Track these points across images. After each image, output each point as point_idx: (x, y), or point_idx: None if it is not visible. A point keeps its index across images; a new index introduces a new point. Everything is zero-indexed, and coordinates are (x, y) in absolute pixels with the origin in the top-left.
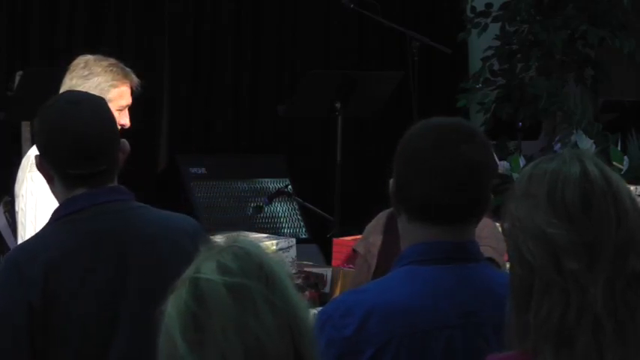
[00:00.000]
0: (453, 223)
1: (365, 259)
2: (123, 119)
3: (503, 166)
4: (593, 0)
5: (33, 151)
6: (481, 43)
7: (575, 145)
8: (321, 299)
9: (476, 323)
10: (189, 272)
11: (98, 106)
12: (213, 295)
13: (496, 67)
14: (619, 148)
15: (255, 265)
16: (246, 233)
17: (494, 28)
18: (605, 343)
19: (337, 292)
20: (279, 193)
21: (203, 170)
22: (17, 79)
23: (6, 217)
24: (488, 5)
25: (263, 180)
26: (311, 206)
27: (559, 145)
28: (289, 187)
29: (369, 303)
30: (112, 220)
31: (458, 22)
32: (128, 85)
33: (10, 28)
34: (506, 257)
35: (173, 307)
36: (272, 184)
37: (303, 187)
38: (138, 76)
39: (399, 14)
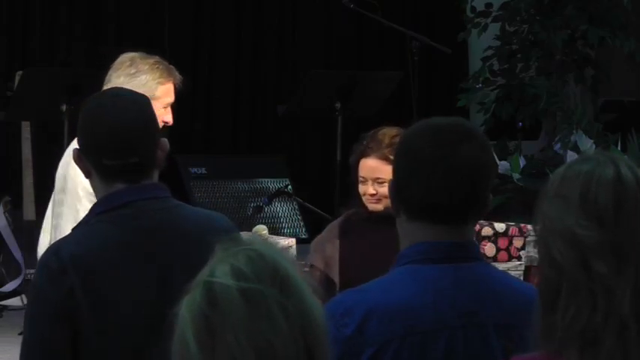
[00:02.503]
0: (452, 222)
1: (325, 275)
2: (167, 116)
3: (503, 166)
4: (593, 0)
5: (74, 144)
6: (481, 43)
7: (575, 145)
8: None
9: (476, 323)
10: (203, 275)
11: (136, 100)
12: (226, 300)
13: (496, 67)
14: (619, 148)
15: (269, 268)
16: (246, 233)
17: (494, 28)
18: (630, 347)
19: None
20: (279, 193)
21: (203, 170)
22: (17, 79)
23: (6, 217)
24: (488, 5)
25: (263, 180)
26: (311, 206)
27: (559, 145)
28: (289, 187)
29: (370, 302)
30: (154, 217)
31: (458, 22)
32: (172, 82)
33: (10, 28)
34: None
35: (187, 309)
36: (272, 184)
37: (303, 187)
38: None
39: (399, 14)
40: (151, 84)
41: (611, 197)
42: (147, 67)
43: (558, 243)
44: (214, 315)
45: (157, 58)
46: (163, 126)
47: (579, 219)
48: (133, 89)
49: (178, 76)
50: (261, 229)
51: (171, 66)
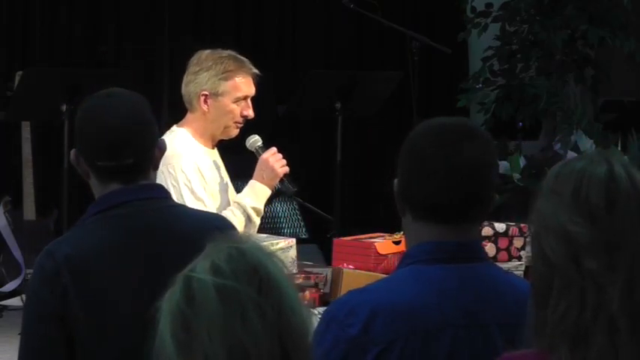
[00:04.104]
0: (456, 222)
1: None
2: (245, 111)
3: (503, 166)
4: (594, 0)
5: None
6: (481, 43)
7: (575, 145)
8: (321, 299)
9: (480, 323)
10: (185, 270)
11: (131, 100)
12: (202, 296)
13: (496, 67)
14: (619, 148)
15: (249, 267)
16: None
17: (494, 28)
18: (620, 344)
19: (338, 292)
20: (279, 193)
21: None
22: (17, 79)
23: (6, 217)
24: (488, 5)
25: None
26: (311, 206)
27: (559, 145)
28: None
29: (374, 302)
30: (149, 218)
31: (458, 22)
32: (243, 75)
33: (10, 28)
34: None
35: (166, 303)
36: None
37: (303, 186)
38: (137, 77)
39: (399, 14)
40: (213, 80)
41: (603, 195)
42: (210, 63)
43: (551, 239)
44: (190, 311)
45: (228, 52)
46: (244, 120)
47: (571, 216)
48: (199, 87)
49: (252, 69)
50: (256, 140)
51: (243, 59)
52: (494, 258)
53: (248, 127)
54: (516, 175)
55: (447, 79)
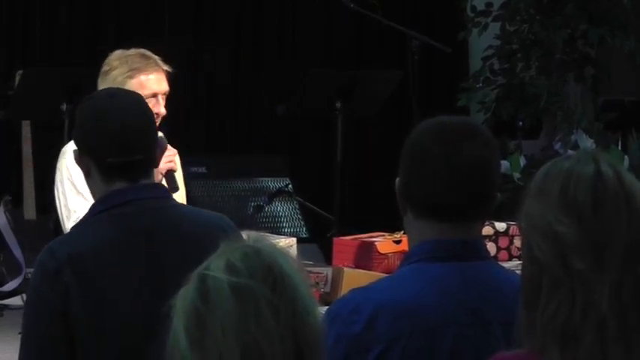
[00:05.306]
0: (458, 220)
1: None
2: (155, 108)
3: (503, 165)
4: None
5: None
6: (481, 43)
7: (576, 144)
8: (321, 299)
9: (483, 321)
10: (200, 268)
11: (134, 99)
12: (217, 294)
13: (496, 66)
14: (619, 148)
15: (263, 266)
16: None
17: (495, 28)
18: (610, 344)
19: (338, 292)
20: (280, 193)
21: (203, 169)
22: (17, 78)
23: (6, 217)
24: (489, 4)
25: (263, 179)
26: (311, 205)
27: (559, 144)
28: (289, 186)
29: (378, 300)
30: (150, 217)
31: (458, 21)
32: (150, 72)
33: (10, 28)
34: None
35: (180, 301)
36: (272, 184)
37: (304, 186)
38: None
39: (399, 14)
40: (119, 79)
41: (590, 194)
42: (117, 62)
43: (539, 239)
44: (205, 308)
45: (136, 50)
46: (155, 118)
47: (558, 216)
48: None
49: (158, 67)
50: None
51: (151, 56)
52: (495, 257)
53: (247, 126)
54: (516, 175)
55: (447, 78)
